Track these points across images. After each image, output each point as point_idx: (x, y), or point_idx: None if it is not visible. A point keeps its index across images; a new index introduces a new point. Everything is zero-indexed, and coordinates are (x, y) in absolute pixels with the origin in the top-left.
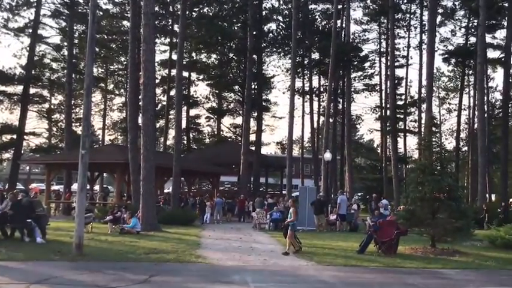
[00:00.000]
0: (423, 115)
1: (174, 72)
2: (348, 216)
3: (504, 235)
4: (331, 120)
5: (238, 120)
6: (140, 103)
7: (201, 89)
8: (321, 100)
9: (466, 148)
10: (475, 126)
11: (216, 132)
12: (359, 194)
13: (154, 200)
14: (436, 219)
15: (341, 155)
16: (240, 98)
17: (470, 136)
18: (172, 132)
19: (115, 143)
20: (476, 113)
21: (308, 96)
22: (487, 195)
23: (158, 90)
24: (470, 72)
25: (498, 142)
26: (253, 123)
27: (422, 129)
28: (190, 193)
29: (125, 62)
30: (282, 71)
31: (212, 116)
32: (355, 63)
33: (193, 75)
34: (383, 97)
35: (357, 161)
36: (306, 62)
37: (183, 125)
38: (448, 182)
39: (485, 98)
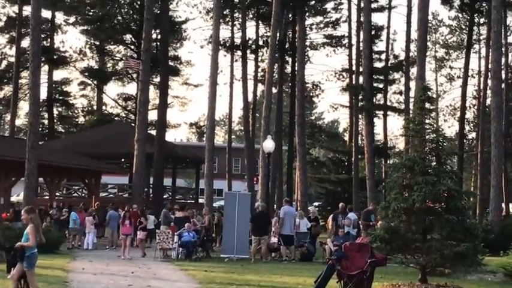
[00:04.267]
0: (412, 84)
1: (27, 10)
2: (298, 237)
3: None
4: (274, 90)
5: (131, 88)
6: None
7: (71, 39)
8: (260, 59)
9: (473, 134)
10: (488, 101)
11: (95, 107)
12: (316, 204)
13: None
14: (428, 242)
15: (289, 144)
16: (134, 53)
17: (481, 116)
18: (25, 106)
19: None
20: (489, 82)
21: (240, 53)
22: (503, 204)
23: (1, 39)
24: (482, 20)
25: None
26: (154, 94)
27: (411, 106)
28: (54, 202)
29: None
30: (200, 12)
31: (89, 82)
32: (312, 2)
33: (60, 17)
34: (353, 56)
35: (313, 154)
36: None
37: (43, 94)
38: (448, 186)
39: (503, 59)
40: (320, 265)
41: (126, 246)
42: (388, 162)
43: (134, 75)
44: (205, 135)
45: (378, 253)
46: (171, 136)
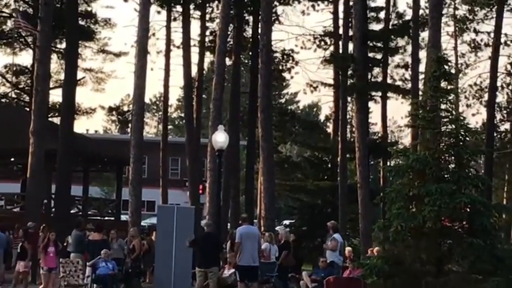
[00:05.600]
0: (423, 55)
1: None
2: (262, 269)
3: None
4: (228, 61)
5: (25, 58)
6: None
7: None
8: (209, 18)
9: (507, 125)
10: None
11: None
12: (286, 222)
13: None
14: (445, 275)
15: (249, 138)
16: (29, 8)
17: None
18: None
19: None
20: None
21: (180, 9)
22: None
23: None
24: None
25: None
26: (57, 66)
27: (421, 85)
28: None
29: None
30: None
31: None
32: None
33: None
34: (340, 15)
35: (283, 152)
36: None
37: None
38: (471, 197)
39: None
40: None
41: (48, 286)
42: (389, 163)
43: (29, 40)
44: (130, 125)
45: None
46: (82, 126)
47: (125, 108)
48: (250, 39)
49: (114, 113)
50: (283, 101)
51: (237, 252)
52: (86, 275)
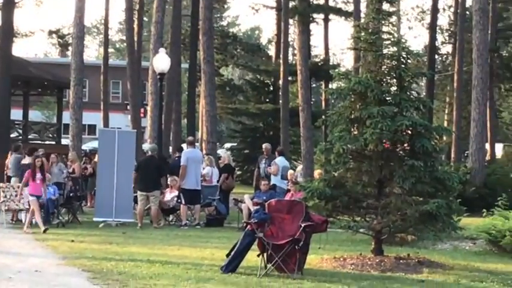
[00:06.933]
0: None
1: None
2: (204, 193)
3: None
4: None
5: None
6: None
7: None
8: None
9: (449, 48)
10: (468, 1)
11: None
12: (228, 145)
13: None
14: (385, 198)
15: (191, 61)
16: None
17: (459, 23)
18: None
19: None
20: None
21: None
22: (488, 145)
23: None
24: None
25: None
26: None
27: (363, 8)
28: None
29: None
30: None
31: None
32: None
33: None
34: None
35: (225, 74)
36: None
37: None
38: (413, 120)
39: None
40: (234, 232)
41: (37, 214)
42: (331, 86)
43: None
44: (70, 48)
45: (315, 214)
46: (21, 49)
47: (65, 31)
48: None
49: (54, 36)
50: (225, 23)
51: (183, 176)
52: (26, 200)
